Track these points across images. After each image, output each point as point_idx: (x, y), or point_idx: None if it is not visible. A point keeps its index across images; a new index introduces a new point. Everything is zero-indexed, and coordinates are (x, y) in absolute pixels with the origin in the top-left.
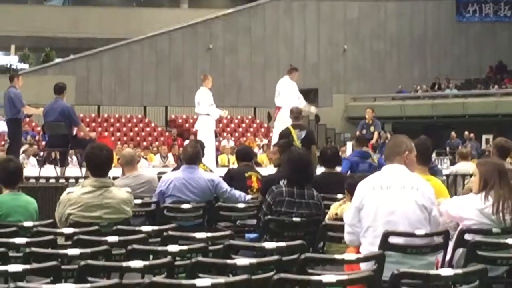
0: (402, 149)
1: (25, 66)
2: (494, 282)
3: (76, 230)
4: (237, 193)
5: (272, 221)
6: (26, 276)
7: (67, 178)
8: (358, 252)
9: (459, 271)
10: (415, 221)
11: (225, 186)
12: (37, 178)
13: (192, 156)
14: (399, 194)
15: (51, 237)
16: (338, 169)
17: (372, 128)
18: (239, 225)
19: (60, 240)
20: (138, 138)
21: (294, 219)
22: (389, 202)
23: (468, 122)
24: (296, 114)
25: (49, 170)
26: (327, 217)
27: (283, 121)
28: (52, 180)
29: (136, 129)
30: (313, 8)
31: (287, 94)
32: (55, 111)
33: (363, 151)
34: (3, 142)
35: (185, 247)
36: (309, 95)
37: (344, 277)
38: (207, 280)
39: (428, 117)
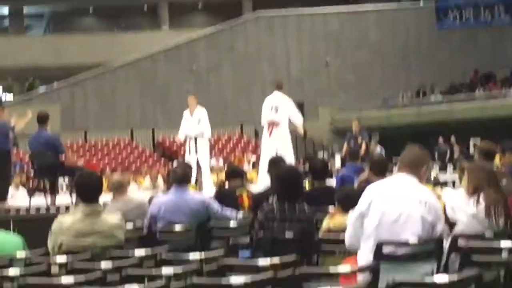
0: (422, 163)
1: (10, 96)
2: (489, 286)
3: (69, 258)
4: (228, 211)
5: (265, 237)
6: None
7: (57, 207)
8: (355, 261)
9: (454, 277)
10: (417, 234)
11: (216, 206)
12: (28, 209)
13: (182, 177)
14: (405, 205)
15: (44, 266)
16: (329, 181)
17: (359, 139)
18: (232, 244)
19: (54, 269)
20: (126, 162)
21: (287, 235)
22: (395, 211)
23: (455, 127)
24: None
25: (39, 199)
26: (320, 231)
27: (280, 137)
28: (42, 210)
29: (124, 153)
30: (294, 23)
31: (287, 109)
32: (40, 141)
33: (356, 165)
34: None
35: (179, 269)
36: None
37: None
38: None
39: (415, 124)
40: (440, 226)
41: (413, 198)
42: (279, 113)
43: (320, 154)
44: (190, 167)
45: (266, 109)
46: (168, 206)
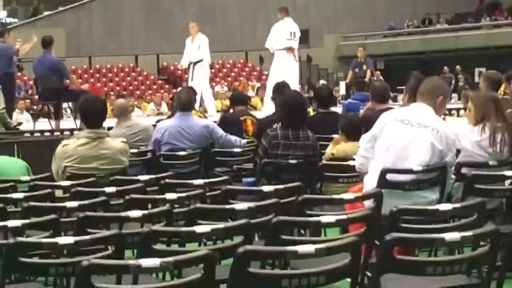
0: (438, 92)
1: (14, 21)
2: (492, 214)
3: (73, 182)
4: (232, 138)
5: (269, 164)
6: (26, 231)
7: (62, 131)
8: (361, 190)
9: (457, 205)
10: (424, 161)
11: (220, 131)
12: (32, 132)
13: (186, 103)
14: (416, 132)
15: (48, 190)
16: (333, 109)
17: (364, 67)
18: (236, 170)
19: (58, 193)
20: (131, 88)
21: (291, 161)
22: (405, 137)
23: (460, 56)
24: None
25: (44, 124)
26: (324, 157)
27: (293, 64)
28: (47, 134)
29: (128, 78)
30: None
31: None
32: (45, 65)
33: (364, 94)
34: None
35: (183, 194)
36: (300, 36)
37: (343, 217)
38: (206, 227)
39: (420, 52)
40: (451, 157)
41: (425, 126)
42: (297, 39)
43: (322, 81)
44: (194, 92)
45: (284, 34)
46: (172, 131)
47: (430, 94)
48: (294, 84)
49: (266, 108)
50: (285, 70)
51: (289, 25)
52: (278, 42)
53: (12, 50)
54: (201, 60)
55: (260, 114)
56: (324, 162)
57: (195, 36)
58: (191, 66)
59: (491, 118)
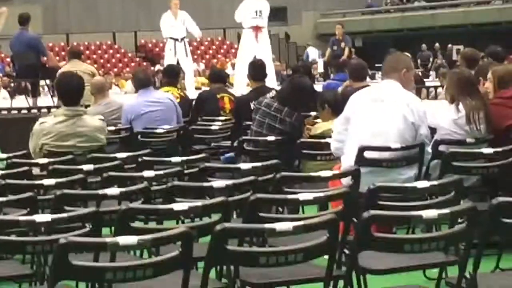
0: (400, 66)
1: None
2: (469, 191)
3: (51, 160)
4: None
5: (247, 141)
6: (3, 208)
7: (39, 108)
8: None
9: (435, 182)
10: (399, 136)
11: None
12: (9, 110)
13: (145, 80)
14: (388, 108)
15: (26, 168)
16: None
17: (342, 44)
18: (214, 147)
19: (35, 171)
20: (108, 65)
21: (269, 138)
22: (377, 114)
23: (438, 34)
24: None
25: (21, 101)
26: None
27: (264, 43)
28: (24, 111)
29: (106, 56)
30: None
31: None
32: (22, 42)
33: (344, 74)
34: None
35: (160, 172)
36: (278, 13)
37: (321, 194)
38: (184, 204)
39: (398, 30)
40: (424, 130)
41: (394, 101)
42: (263, 18)
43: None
44: (180, 69)
45: (249, 13)
46: (140, 105)
47: (393, 69)
48: (268, 63)
49: (237, 87)
50: (255, 49)
51: (256, 3)
52: (244, 20)
53: None
54: (192, 35)
55: (236, 91)
56: (302, 140)
57: (177, 12)
58: (176, 42)
59: (461, 97)
